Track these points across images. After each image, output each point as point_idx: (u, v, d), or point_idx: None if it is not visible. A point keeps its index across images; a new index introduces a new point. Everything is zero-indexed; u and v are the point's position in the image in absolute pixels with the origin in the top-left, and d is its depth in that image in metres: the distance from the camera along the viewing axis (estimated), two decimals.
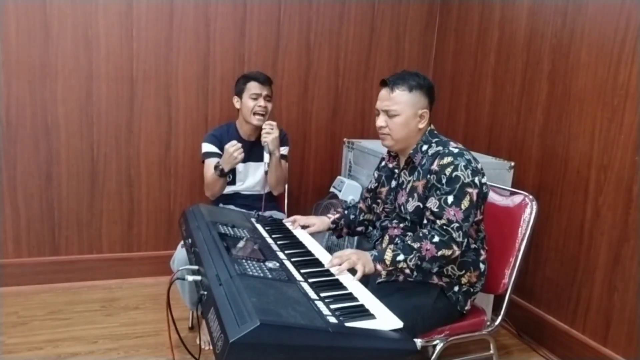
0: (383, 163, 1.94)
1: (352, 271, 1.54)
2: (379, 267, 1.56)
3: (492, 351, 1.88)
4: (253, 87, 2.39)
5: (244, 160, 2.43)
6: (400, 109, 1.68)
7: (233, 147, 2.23)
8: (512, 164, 2.49)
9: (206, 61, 2.89)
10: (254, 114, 2.38)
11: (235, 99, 2.46)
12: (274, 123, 2.32)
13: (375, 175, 1.96)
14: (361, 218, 2.03)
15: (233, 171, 2.46)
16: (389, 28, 3.19)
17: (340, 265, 1.55)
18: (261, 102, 2.39)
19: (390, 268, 1.57)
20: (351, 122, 3.24)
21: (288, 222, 2.03)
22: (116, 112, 2.80)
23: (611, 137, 2.14)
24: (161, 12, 2.76)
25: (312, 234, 1.97)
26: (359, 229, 2.05)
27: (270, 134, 2.29)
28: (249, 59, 2.95)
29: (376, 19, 3.16)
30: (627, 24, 2.07)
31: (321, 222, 2.01)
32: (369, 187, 1.99)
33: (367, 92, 3.24)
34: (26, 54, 2.60)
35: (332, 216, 2.05)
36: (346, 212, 2.06)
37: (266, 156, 2.30)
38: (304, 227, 2.00)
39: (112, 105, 2.79)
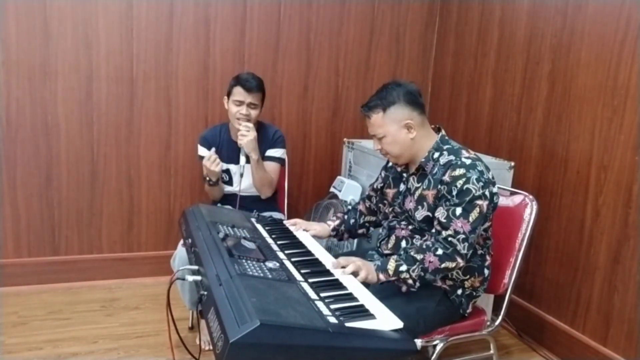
0: (390, 164, 1.92)
1: (355, 274, 1.55)
2: (381, 276, 1.58)
3: (492, 351, 1.88)
4: (238, 92, 2.30)
5: (235, 162, 2.42)
6: (384, 131, 1.69)
7: (208, 162, 2.24)
8: (512, 164, 2.49)
9: (206, 61, 2.89)
10: (237, 119, 2.33)
11: (225, 99, 2.41)
12: (250, 125, 2.27)
13: (382, 174, 1.95)
14: (362, 221, 2.03)
15: (229, 172, 2.46)
16: (389, 28, 3.19)
17: (345, 267, 1.55)
18: (243, 109, 2.30)
19: (393, 278, 1.58)
20: (351, 122, 3.24)
21: (289, 224, 2.03)
22: (116, 112, 2.80)
23: (611, 137, 2.14)
24: (161, 12, 2.76)
25: (313, 236, 1.97)
26: (360, 231, 2.04)
27: (245, 136, 2.24)
28: (249, 59, 2.95)
29: (376, 19, 3.16)
30: (627, 24, 2.07)
31: (322, 228, 2.01)
32: (375, 186, 1.98)
33: (367, 92, 3.23)
34: (26, 54, 2.60)
35: (332, 223, 2.03)
36: (345, 217, 2.05)
37: (242, 159, 2.26)
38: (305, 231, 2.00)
39: (112, 105, 2.79)
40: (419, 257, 1.57)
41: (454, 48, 3.11)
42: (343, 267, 1.57)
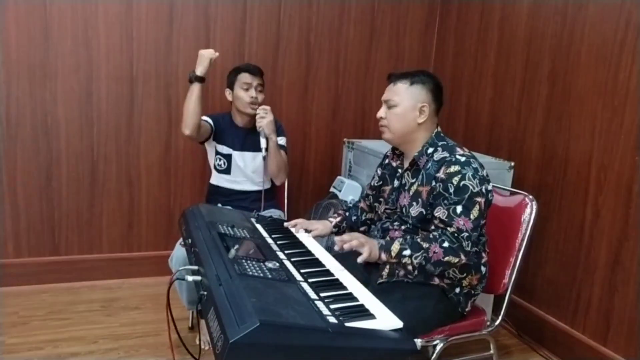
0: (387, 161, 1.93)
1: (357, 254, 1.54)
2: (383, 256, 1.56)
3: (492, 351, 1.88)
4: (244, 77, 2.38)
5: (239, 149, 2.43)
6: (399, 100, 1.71)
7: (207, 50, 2.28)
8: (512, 164, 2.49)
9: None
10: (249, 103, 2.38)
11: (227, 92, 2.45)
12: (268, 107, 2.33)
13: (379, 172, 1.96)
14: (363, 218, 2.03)
15: (229, 160, 2.45)
16: (389, 28, 3.19)
17: (348, 243, 1.54)
18: (252, 92, 2.38)
19: (394, 260, 1.57)
20: (351, 122, 3.24)
21: (289, 225, 2.02)
22: (116, 112, 2.80)
23: (611, 137, 2.14)
24: (161, 12, 2.76)
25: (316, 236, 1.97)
26: (362, 229, 2.04)
27: (264, 118, 2.29)
28: (249, 59, 2.95)
29: (376, 19, 3.16)
30: (627, 24, 2.07)
31: (324, 226, 2.00)
32: (372, 184, 1.99)
33: (367, 92, 3.23)
34: (26, 54, 2.60)
35: (334, 220, 2.04)
36: (347, 214, 2.05)
37: (262, 141, 2.29)
38: (306, 231, 1.99)
39: (112, 105, 2.79)
40: (424, 245, 1.57)
41: (454, 48, 3.11)
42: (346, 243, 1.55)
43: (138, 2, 2.72)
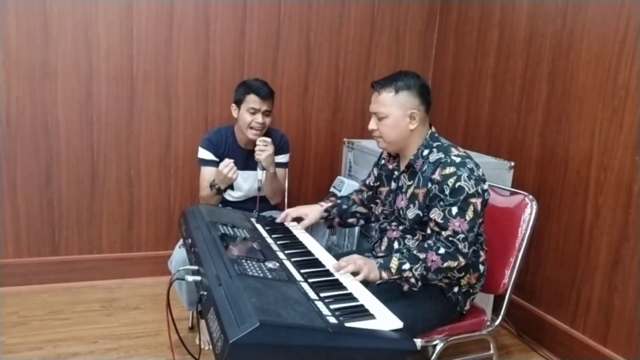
0: (382, 162, 1.93)
1: (356, 274, 1.54)
2: (384, 274, 1.56)
3: (492, 351, 1.88)
4: (252, 100, 2.27)
5: (241, 168, 2.38)
6: (387, 111, 1.69)
7: (227, 168, 2.17)
8: (512, 164, 2.49)
9: (206, 61, 2.89)
10: (250, 128, 2.30)
11: (233, 107, 2.36)
12: (268, 140, 2.22)
13: (375, 173, 1.95)
14: (353, 209, 2.02)
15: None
16: (389, 28, 3.19)
17: (344, 269, 1.54)
18: (259, 117, 2.27)
19: (396, 277, 1.56)
20: (351, 122, 3.24)
21: (281, 219, 2.00)
22: (116, 112, 2.80)
23: (611, 137, 2.14)
24: (161, 12, 2.76)
25: (312, 234, 1.97)
26: (351, 220, 2.03)
27: (263, 151, 2.19)
28: (249, 59, 2.95)
29: (376, 19, 3.16)
30: (627, 24, 2.07)
31: (313, 211, 1.99)
32: (367, 182, 1.99)
33: (367, 92, 3.21)
34: (26, 54, 2.60)
35: (325, 204, 2.02)
36: (339, 201, 2.05)
37: (259, 173, 2.19)
38: (297, 219, 1.98)
39: (112, 105, 2.79)
40: (421, 255, 1.56)
41: (454, 48, 3.11)
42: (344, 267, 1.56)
43: (138, 2, 2.72)
